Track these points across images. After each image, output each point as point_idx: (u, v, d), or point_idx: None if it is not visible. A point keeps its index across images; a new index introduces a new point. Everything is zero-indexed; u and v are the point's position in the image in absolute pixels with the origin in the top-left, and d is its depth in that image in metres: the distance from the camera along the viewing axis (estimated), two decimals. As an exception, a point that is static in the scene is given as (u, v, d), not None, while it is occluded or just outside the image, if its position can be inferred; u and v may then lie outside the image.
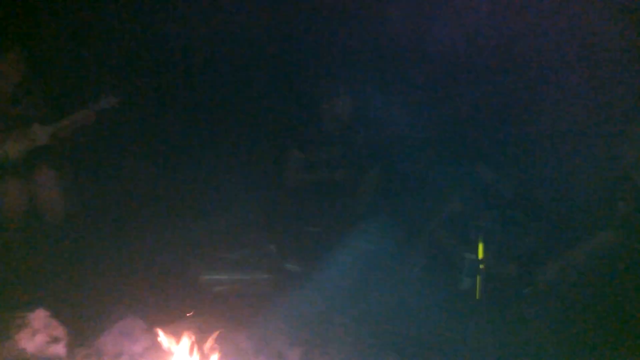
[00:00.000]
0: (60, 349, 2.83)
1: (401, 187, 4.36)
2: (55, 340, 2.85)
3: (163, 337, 2.78)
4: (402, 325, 3.39)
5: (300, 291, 3.61)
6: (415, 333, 3.33)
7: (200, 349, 2.88)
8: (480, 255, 3.77)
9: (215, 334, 2.86)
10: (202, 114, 4.43)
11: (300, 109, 4.53)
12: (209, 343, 2.85)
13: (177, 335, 3.04)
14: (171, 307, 3.29)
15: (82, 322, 3.05)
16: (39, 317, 2.88)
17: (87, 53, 4.30)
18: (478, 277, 3.74)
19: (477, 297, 3.62)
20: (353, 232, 4.31)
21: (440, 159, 4.24)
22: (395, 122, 4.40)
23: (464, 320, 3.47)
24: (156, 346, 2.97)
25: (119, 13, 4.29)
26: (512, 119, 3.98)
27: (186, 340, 2.86)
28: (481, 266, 3.71)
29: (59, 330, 2.90)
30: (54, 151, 3.89)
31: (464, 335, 3.30)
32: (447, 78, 4.26)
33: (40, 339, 2.81)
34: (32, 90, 3.91)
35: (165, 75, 4.44)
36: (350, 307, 3.53)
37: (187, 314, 3.04)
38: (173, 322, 3.12)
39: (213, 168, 4.35)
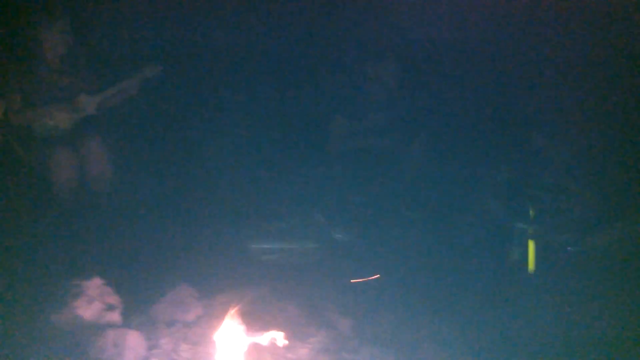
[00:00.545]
0: (115, 316, 2.89)
1: (449, 155, 4.27)
2: (110, 307, 2.90)
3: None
4: (452, 296, 3.35)
5: (349, 260, 3.59)
6: (464, 301, 3.29)
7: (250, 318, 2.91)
8: (531, 225, 3.70)
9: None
10: (248, 81, 4.39)
11: (345, 75, 4.45)
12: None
13: (228, 305, 3.08)
14: (221, 277, 3.31)
15: (136, 291, 3.09)
16: (95, 285, 2.94)
17: (132, 22, 4.29)
18: (531, 248, 3.67)
19: (531, 269, 3.56)
20: (400, 201, 4.27)
21: (490, 126, 4.13)
22: (443, 87, 4.30)
23: (515, 293, 3.40)
24: (208, 314, 3.01)
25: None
26: (565, 84, 3.84)
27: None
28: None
29: (114, 298, 2.95)
30: (102, 121, 3.92)
31: (517, 308, 3.24)
32: (501, 43, 4.11)
33: (96, 306, 2.86)
34: (78, 60, 3.93)
35: (212, 42, 4.41)
36: (399, 276, 3.50)
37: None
38: (224, 291, 3.16)
39: (260, 138, 4.33)
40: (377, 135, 4.33)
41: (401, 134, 4.29)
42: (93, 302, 2.87)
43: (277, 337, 2.79)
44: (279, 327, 2.86)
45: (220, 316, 2.94)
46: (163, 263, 3.39)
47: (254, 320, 2.86)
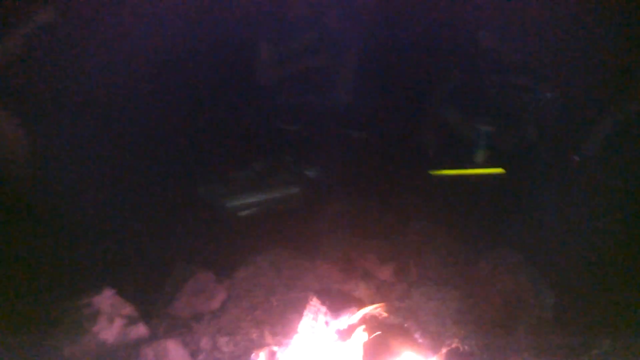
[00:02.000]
0: (140, 328, 2.44)
1: (394, 67, 4.08)
2: (131, 320, 2.44)
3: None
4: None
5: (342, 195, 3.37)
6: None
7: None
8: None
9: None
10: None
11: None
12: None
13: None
14: (224, 247, 2.96)
15: (145, 293, 2.63)
16: (106, 298, 2.43)
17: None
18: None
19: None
20: (348, 122, 4.07)
21: (432, 28, 3.97)
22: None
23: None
24: (234, 297, 2.68)
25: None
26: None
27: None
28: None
29: (130, 308, 2.48)
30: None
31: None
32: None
33: (116, 323, 2.39)
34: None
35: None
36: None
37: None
38: (241, 266, 2.82)
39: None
40: (303, 56, 4.03)
41: (335, 51, 4.00)
42: (112, 319, 2.39)
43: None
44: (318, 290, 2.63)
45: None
46: (156, 250, 2.90)
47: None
